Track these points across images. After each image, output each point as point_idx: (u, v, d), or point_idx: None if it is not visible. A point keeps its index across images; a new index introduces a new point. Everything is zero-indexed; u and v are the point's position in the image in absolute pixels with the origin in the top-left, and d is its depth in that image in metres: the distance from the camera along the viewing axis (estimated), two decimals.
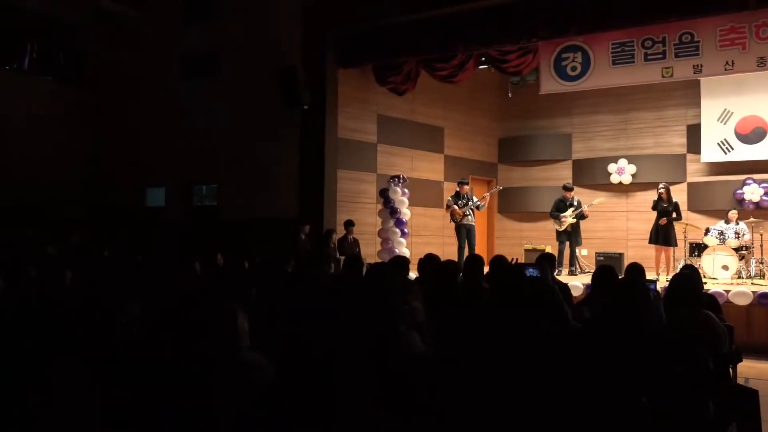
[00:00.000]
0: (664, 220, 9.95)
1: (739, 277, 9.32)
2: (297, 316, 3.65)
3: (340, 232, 10.22)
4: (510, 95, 13.43)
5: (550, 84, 10.30)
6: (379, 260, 10.22)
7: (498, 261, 5.42)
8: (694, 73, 9.22)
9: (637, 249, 11.00)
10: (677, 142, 12.47)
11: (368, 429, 1.68)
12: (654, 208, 10.19)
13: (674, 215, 10.02)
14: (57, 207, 12.33)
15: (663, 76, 9.39)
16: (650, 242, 10.20)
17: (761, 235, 9.91)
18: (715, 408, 3.44)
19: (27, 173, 11.89)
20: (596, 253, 11.13)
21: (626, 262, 8.86)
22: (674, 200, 10.15)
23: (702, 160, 12.07)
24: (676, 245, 10.14)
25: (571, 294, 5.07)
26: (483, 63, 10.80)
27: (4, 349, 2.26)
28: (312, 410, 1.68)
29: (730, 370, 4.51)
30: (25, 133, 12.24)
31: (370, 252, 10.61)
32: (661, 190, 10.09)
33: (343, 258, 8.22)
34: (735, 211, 10.20)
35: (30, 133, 12.31)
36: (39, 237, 10.09)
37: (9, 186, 11.41)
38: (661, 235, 9.99)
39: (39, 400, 2.00)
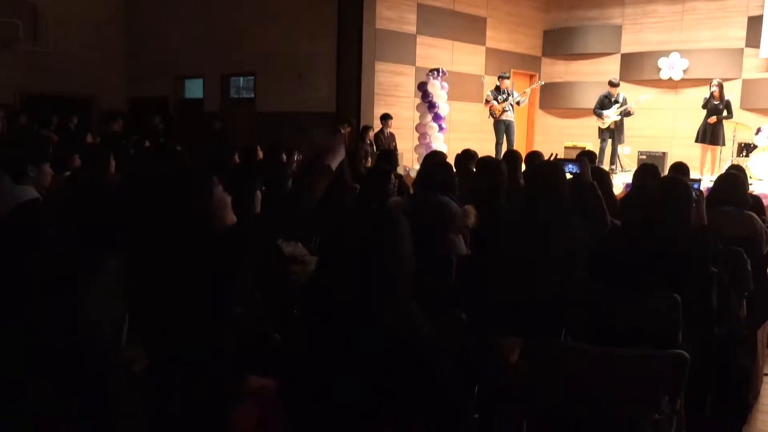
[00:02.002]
0: (713, 119, 9.54)
1: None
2: (333, 210, 3.68)
3: (377, 126, 10.12)
4: None
5: None
6: (416, 155, 10.17)
7: (533, 156, 5.32)
8: None
9: (683, 148, 10.64)
10: (736, 35, 11.72)
11: (399, 323, 1.71)
12: (704, 106, 9.77)
13: (725, 113, 9.60)
14: (97, 98, 12.45)
15: None
16: (697, 141, 9.85)
17: None
18: (749, 307, 3.44)
19: (66, 66, 11.93)
20: (639, 151, 10.83)
21: (670, 162, 8.63)
22: (726, 98, 9.69)
23: (761, 55, 11.38)
24: (724, 144, 9.79)
25: (611, 182, 4.93)
26: None
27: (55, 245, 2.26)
28: (346, 306, 1.71)
29: None
30: (63, 26, 12.18)
31: (407, 147, 10.54)
32: (714, 88, 9.60)
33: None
34: None
35: (68, 25, 12.24)
36: (81, 127, 10.30)
37: (48, 78, 11.50)
38: (709, 134, 9.63)
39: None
